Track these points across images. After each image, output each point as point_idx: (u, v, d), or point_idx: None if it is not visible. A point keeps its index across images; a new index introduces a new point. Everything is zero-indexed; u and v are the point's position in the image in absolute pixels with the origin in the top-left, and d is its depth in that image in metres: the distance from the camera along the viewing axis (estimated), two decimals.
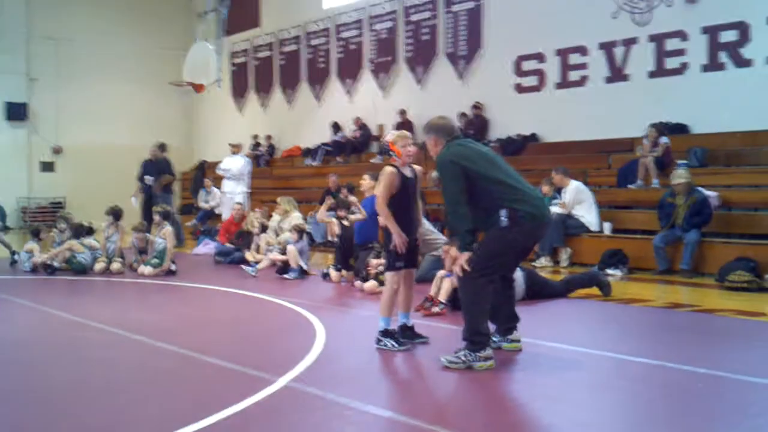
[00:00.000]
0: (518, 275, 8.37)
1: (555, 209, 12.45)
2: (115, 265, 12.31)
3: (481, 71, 18.39)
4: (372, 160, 19.02)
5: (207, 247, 15.32)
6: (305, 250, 11.90)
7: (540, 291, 9.09)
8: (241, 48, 26.02)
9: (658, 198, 11.93)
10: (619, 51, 15.57)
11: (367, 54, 21.37)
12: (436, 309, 8.24)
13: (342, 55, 22.25)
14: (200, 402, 5.10)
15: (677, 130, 14.43)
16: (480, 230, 6.04)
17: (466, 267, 5.83)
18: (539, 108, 17.03)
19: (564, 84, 16.62)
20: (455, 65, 18.92)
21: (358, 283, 10.28)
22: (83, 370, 6.14)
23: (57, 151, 25.32)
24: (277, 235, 13.30)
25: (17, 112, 24.39)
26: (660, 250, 11.24)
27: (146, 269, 11.96)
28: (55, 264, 12.22)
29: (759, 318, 8.07)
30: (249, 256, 12.91)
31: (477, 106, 18.03)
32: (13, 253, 13.42)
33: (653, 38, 14.99)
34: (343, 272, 10.91)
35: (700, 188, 11.47)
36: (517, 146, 16.95)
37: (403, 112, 19.32)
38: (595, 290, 9.41)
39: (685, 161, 13.33)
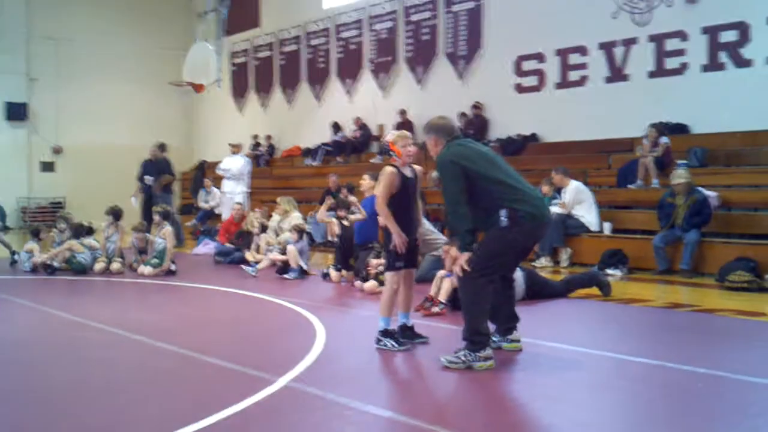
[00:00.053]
0: (518, 275, 8.37)
1: (555, 209, 12.45)
2: (115, 265, 12.31)
3: (481, 71, 18.39)
4: (372, 160, 19.02)
5: (207, 247, 15.32)
6: (305, 250, 11.90)
7: (540, 291, 9.09)
8: (241, 48, 26.02)
9: (658, 198, 11.93)
10: (619, 51, 15.57)
11: (367, 54, 21.37)
12: (436, 309, 8.24)
13: (342, 55, 22.25)
14: (200, 402, 5.10)
15: (677, 130, 14.43)
16: (480, 230, 6.03)
17: (466, 267, 5.83)
18: (539, 108, 17.03)
19: (564, 84, 16.62)
20: (455, 65, 18.92)
21: (358, 283, 10.28)
22: (83, 370, 6.14)
23: (57, 151, 25.33)
24: (277, 235, 13.30)
25: (17, 112, 24.39)
26: (660, 250, 11.24)
27: (146, 269, 11.96)
28: (55, 264, 12.21)
29: (759, 318, 8.07)
30: (249, 256, 12.91)
31: (477, 106, 18.03)
32: (13, 253, 13.42)
33: (653, 38, 14.99)
34: (343, 272, 10.91)
35: (700, 188, 11.47)
36: (517, 146, 16.95)
37: (403, 112, 19.33)
38: (595, 290, 9.41)
39: (685, 161, 13.33)
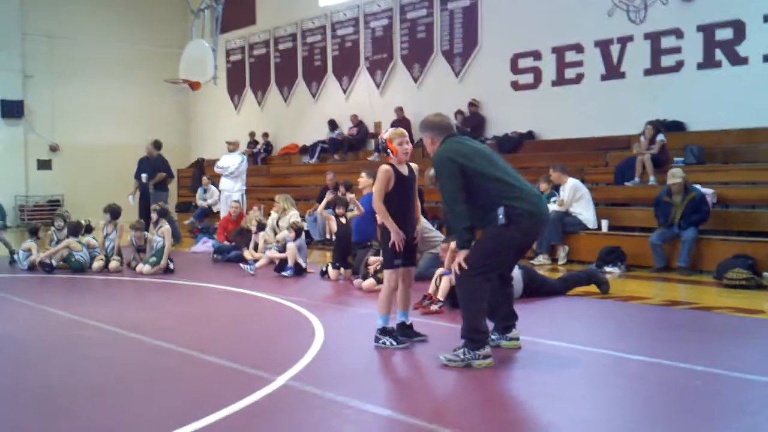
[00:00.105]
0: (516, 273, 8.37)
1: (553, 207, 12.45)
2: (113, 264, 12.31)
3: (477, 69, 18.40)
4: (369, 158, 19.05)
5: (205, 245, 15.31)
6: (303, 247, 11.90)
7: (538, 289, 9.09)
8: (237, 45, 26.00)
9: (655, 195, 11.94)
10: (614, 49, 15.58)
11: (364, 51, 21.37)
12: (434, 307, 8.24)
13: (338, 53, 22.25)
14: (199, 401, 5.10)
15: (674, 127, 14.45)
16: (478, 228, 6.03)
17: (463, 265, 5.83)
18: (536, 105, 17.05)
19: (560, 81, 16.64)
20: (451, 63, 18.93)
21: (357, 281, 10.28)
22: (81, 369, 6.14)
23: (54, 148, 25.30)
24: (275, 233, 13.30)
25: (13, 110, 24.33)
26: (657, 248, 11.25)
27: (144, 268, 11.95)
28: (53, 262, 12.20)
29: (757, 315, 8.08)
30: (247, 254, 12.92)
31: (473, 104, 18.04)
32: (12, 252, 13.39)
33: (649, 36, 15.01)
34: (342, 270, 10.92)
35: (696, 186, 11.49)
36: (514, 144, 16.96)
37: (400, 110, 19.34)
38: (593, 288, 9.42)
39: (681, 159, 13.37)
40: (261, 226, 13.36)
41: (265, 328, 7.89)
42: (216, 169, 17.34)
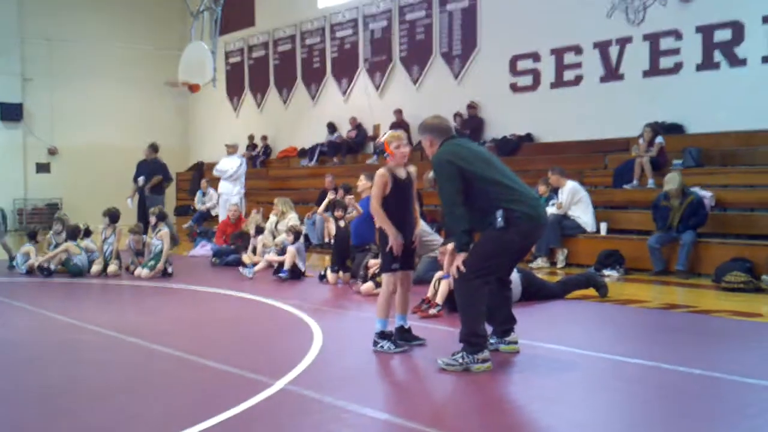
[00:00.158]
0: (515, 277, 8.37)
1: (551, 210, 12.46)
2: (112, 268, 12.30)
3: (476, 71, 18.41)
4: (368, 161, 19.05)
5: (204, 249, 15.31)
6: (302, 251, 11.89)
7: (537, 292, 9.09)
8: (235, 47, 26.01)
9: (653, 198, 11.94)
10: (613, 50, 15.59)
11: (363, 53, 21.38)
12: (433, 311, 8.23)
13: (337, 55, 22.26)
14: (197, 405, 5.09)
15: (672, 129, 14.45)
16: (477, 231, 6.03)
17: (461, 268, 5.83)
18: (534, 108, 17.05)
19: (559, 83, 16.64)
20: (450, 65, 18.94)
21: (356, 284, 10.26)
22: (80, 372, 6.13)
23: (52, 152, 25.30)
24: (274, 236, 13.29)
25: (12, 113, 24.34)
26: (655, 251, 11.25)
27: (143, 271, 11.94)
28: (51, 266, 12.18)
29: (755, 319, 8.09)
30: (246, 258, 12.91)
31: (472, 106, 18.05)
32: (12, 258, 13.36)
33: (647, 37, 15.02)
34: (340, 274, 10.91)
35: (694, 189, 11.49)
36: (513, 146, 16.97)
37: (399, 112, 19.34)
38: (591, 291, 9.42)
39: (680, 161, 13.37)
40: (259, 230, 13.36)
41: (264, 332, 7.89)
42: (215, 172, 17.34)
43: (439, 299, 8.30)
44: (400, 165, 6.63)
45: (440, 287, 8.34)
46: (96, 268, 12.31)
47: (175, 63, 19.85)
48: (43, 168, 25.26)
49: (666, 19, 14.70)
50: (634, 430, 4.65)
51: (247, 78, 25.68)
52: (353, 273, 10.68)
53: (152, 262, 12.04)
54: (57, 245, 12.60)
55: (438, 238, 10.52)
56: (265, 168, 23.67)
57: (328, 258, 12.42)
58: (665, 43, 14.74)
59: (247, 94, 25.73)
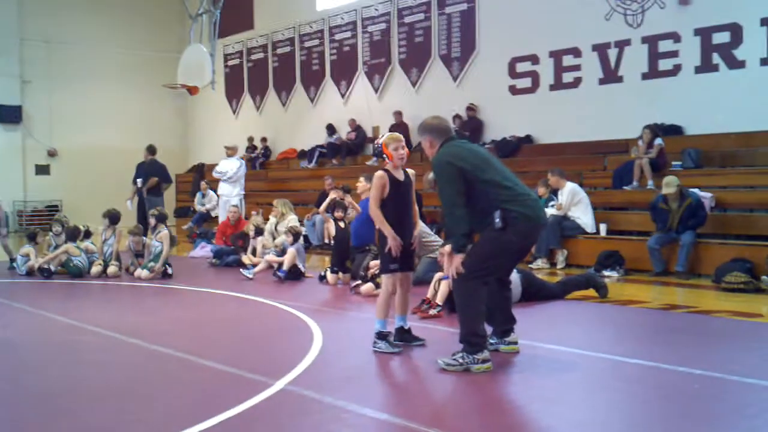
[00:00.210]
0: (515, 277, 8.38)
1: (551, 211, 12.48)
2: (112, 269, 12.30)
3: (475, 73, 18.42)
4: (367, 163, 19.06)
5: (204, 250, 15.31)
6: (301, 251, 11.89)
7: (537, 293, 9.09)
8: (234, 50, 26.02)
9: (653, 199, 11.93)
10: (612, 53, 15.61)
11: (361, 56, 21.39)
12: (432, 311, 8.24)
13: (336, 57, 22.27)
14: (197, 405, 5.09)
15: (671, 131, 14.47)
16: (477, 232, 6.03)
17: (460, 269, 5.83)
18: (533, 110, 17.07)
19: (558, 86, 16.65)
20: (449, 67, 18.95)
21: (358, 285, 10.25)
22: (80, 373, 6.13)
23: (52, 153, 25.32)
24: (274, 238, 13.30)
25: (11, 115, 24.36)
26: (655, 252, 11.25)
27: (143, 273, 11.94)
28: (51, 268, 12.18)
29: (755, 319, 8.09)
30: (245, 259, 12.92)
31: (471, 108, 18.07)
32: (12, 260, 13.36)
33: (646, 40, 15.03)
34: (340, 275, 10.91)
35: (693, 190, 11.49)
36: (512, 148, 16.98)
37: (398, 114, 19.35)
38: (591, 292, 9.42)
39: (679, 162, 13.38)
40: (259, 231, 13.36)
41: (264, 333, 7.89)
42: (214, 174, 17.35)
43: (439, 300, 8.30)
44: (398, 167, 6.63)
45: (440, 288, 8.34)
46: (96, 269, 12.31)
47: (174, 65, 19.92)
48: (42, 170, 25.28)
49: (664, 21, 14.71)
50: (633, 430, 4.65)
51: (246, 80, 25.68)
52: (353, 274, 10.68)
53: (152, 263, 12.04)
54: (57, 247, 12.61)
55: (437, 239, 10.53)
56: (265, 170, 23.68)
57: (327, 259, 12.43)
58: (664, 46, 14.76)
59: (246, 97, 25.74)
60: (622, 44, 15.42)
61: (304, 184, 20.94)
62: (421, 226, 8.10)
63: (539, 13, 16.76)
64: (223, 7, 19.49)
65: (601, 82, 15.84)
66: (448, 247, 5.94)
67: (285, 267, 11.34)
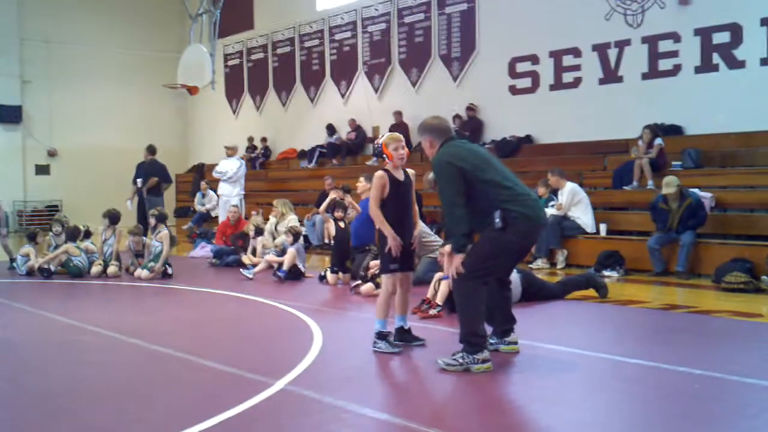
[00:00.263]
0: (515, 277, 8.38)
1: (551, 211, 12.48)
2: (112, 269, 12.30)
3: (475, 73, 18.42)
4: (367, 163, 19.06)
5: (204, 250, 15.31)
6: (301, 251, 11.89)
7: (537, 293, 9.09)
8: (234, 50, 26.02)
9: (653, 199, 11.94)
10: (612, 53, 15.60)
11: (361, 56, 21.39)
12: (433, 311, 8.24)
13: (336, 57, 22.27)
14: (197, 405, 5.09)
15: (671, 131, 14.47)
16: (477, 231, 6.03)
17: (460, 269, 5.83)
18: (533, 109, 17.07)
19: (558, 86, 16.65)
20: (449, 67, 18.95)
21: (358, 285, 10.25)
22: (80, 373, 6.13)
23: (52, 153, 25.33)
24: (274, 238, 13.30)
25: (11, 115, 24.36)
26: (655, 252, 11.25)
27: (143, 273, 11.94)
28: (51, 267, 12.18)
29: (756, 319, 8.09)
30: (245, 259, 12.92)
31: (471, 108, 18.07)
32: (12, 260, 13.36)
33: (646, 40, 15.03)
34: (340, 274, 10.91)
35: (693, 190, 11.49)
36: (512, 148, 16.98)
37: (398, 114, 19.35)
38: (591, 292, 9.42)
39: (679, 162, 13.38)
40: (259, 231, 13.36)
41: (264, 332, 7.89)
42: (214, 174, 17.35)
43: (439, 300, 8.30)
44: (398, 167, 6.63)
45: (440, 288, 8.34)
46: (96, 269, 12.31)
47: (175, 65, 19.93)
48: (42, 170, 25.29)
49: (664, 21, 14.71)
50: (634, 430, 4.66)
51: (246, 80, 25.69)
52: (353, 274, 10.68)
53: (152, 263, 12.04)
54: (57, 247, 12.61)
55: (438, 239, 10.53)
56: (265, 170, 23.68)
57: (328, 259, 12.43)
58: (664, 46, 14.76)
59: (246, 97, 25.74)
60: (622, 44, 15.42)
61: (304, 184, 20.94)
62: (421, 226, 8.10)
63: (539, 13, 16.76)
64: (223, 7, 19.49)
65: (601, 82, 15.84)
66: (448, 247, 5.93)
67: (285, 267, 11.34)
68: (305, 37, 23.24)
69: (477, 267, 5.88)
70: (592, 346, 6.73)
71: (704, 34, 14.15)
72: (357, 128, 21.03)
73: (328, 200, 11.79)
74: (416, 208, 6.91)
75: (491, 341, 6.35)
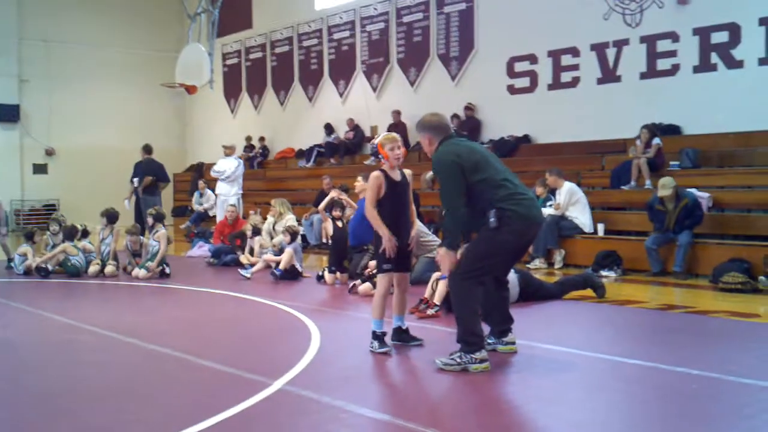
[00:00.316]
0: (512, 277, 8.37)
1: (549, 211, 12.48)
2: (109, 268, 12.29)
3: (473, 73, 18.42)
4: (366, 162, 19.05)
5: (201, 250, 15.31)
6: (298, 251, 11.88)
7: (534, 293, 9.09)
8: (232, 49, 26.01)
9: (649, 200, 11.93)
10: (610, 52, 15.61)
11: (360, 55, 21.38)
12: (430, 311, 8.23)
13: (334, 57, 22.27)
14: (195, 405, 5.09)
15: (669, 131, 14.48)
16: (474, 231, 6.03)
17: (452, 266, 5.86)
18: (532, 109, 17.07)
19: (556, 85, 16.66)
20: (448, 67, 18.95)
21: (356, 284, 10.24)
22: (78, 373, 6.13)
23: (50, 153, 25.31)
24: (272, 237, 13.29)
25: (9, 114, 24.36)
26: (652, 252, 11.25)
27: (140, 272, 11.93)
28: (49, 267, 12.17)
29: (753, 319, 8.10)
30: (243, 259, 12.92)
31: (469, 108, 18.08)
32: (10, 259, 13.34)
33: (644, 39, 15.03)
34: (338, 274, 10.91)
35: (690, 190, 11.49)
36: (510, 147, 16.98)
37: (396, 113, 19.35)
38: (589, 292, 9.43)
39: (677, 162, 13.39)
40: (256, 231, 13.36)
41: (262, 333, 7.88)
42: (212, 173, 17.36)
43: (437, 299, 8.30)
44: (394, 167, 6.62)
45: (438, 288, 8.34)
46: (93, 268, 12.30)
47: (173, 64, 19.89)
48: (40, 169, 25.28)
49: (663, 21, 14.72)
50: (632, 430, 4.66)
51: (244, 80, 25.68)
52: (351, 274, 10.68)
53: (149, 263, 12.03)
54: (54, 246, 12.61)
55: (435, 239, 10.52)
56: (263, 169, 23.68)
57: (325, 259, 12.42)
58: (662, 45, 14.77)
59: (244, 96, 25.73)
60: (620, 44, 15.42)
61: (302, 184, 20.95)
62: (419, 226, 8.11)
63: (538, 13, 16.76)
64: (222, 7, 19.47)
65: (600, 81, 15.84)
66: (443, 249, 5.94)
67: (281, 266, 11.34)
68: (304, 37, 23.24)
69: (473, 266, 5.88)
70: (589, 346, 6.73)
71: (703, 33, 14.16)
72: (355, 128, 21.03)
73: (327, 199, 11.79)
74: (413, 208, 6.90)
75: (489, 341, 6.35)
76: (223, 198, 16.65)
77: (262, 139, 24.32)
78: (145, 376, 6.02)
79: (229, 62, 26.21)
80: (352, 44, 21.60)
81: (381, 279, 6.60)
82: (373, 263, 9.83)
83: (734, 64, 13.80)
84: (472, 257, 5.91)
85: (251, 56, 25.36)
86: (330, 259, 11.30)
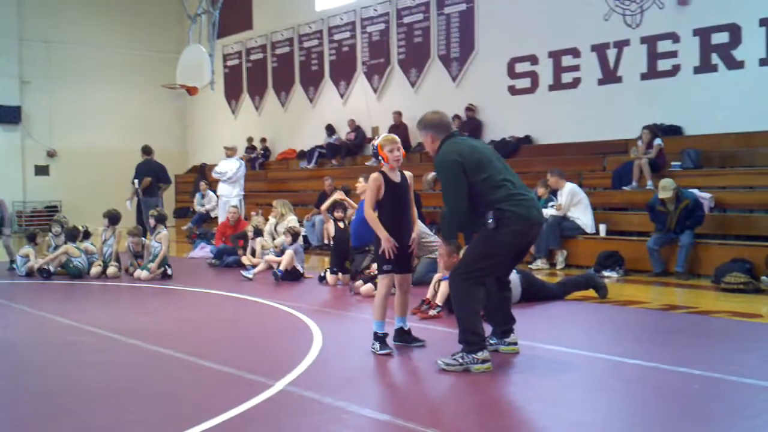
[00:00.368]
0: (514, 277, 8.38)
1: (551, 211, 12.48)
2: (111, 270, 12.30)
3: (474, 73, 18.42)
4: (367, 163, 19.06)
5: (203, 251, 15.31)
6: (300, 252, 11.88)
7: (536, 293, 9.10)
8: (234, 50, 26.02)
9: (650, 200, 11.93)
10: (611, 53, 15.60)
11: (360, 56, 21.39)
12: (432, 312, 8.24)
13: (335, 58, 22.27)
14: (197, 406, 5.10)
15: (671, 131, 14.47)
16: (474, 231, 6.03)
17: (452, 264, 5.87)
18: (532, 110, 17.07)
19: (557, 86, 16.65)
20: (448, 67, 18.95)
21: (357, 284, 10.24)
22: (80, 374, 6.13)
23: (51, 154, 25.32)
24: (274, 238, 13.30)
25: (10, 116, 24.36)
26: (654, 252, 11.25)
27: (142, 273, 11.93)
28: (51, 268, 12.18)
29: (755, 320, 8.10)
30: (245, 260, 12.93)
31: (470, 108, 18.08)
32: (12, 261, 13.35)
33: (645, 40, 15.03)
34: (340, 275, 10.91)
35: (691, 190, 11.49)
36: (512, 148, 16.97)
37: (397, 114, 19.34)
38: (591, 292, 9.42)
39: (678, 163, 13.38)
40: (258, 232, 13.36)
41: (264, 333, 7.89)
42: (214, 175, 17.36)
43: (438, 300, 8.30)
44: (394, 168, 6.61)
45: (440, 288, 8.34)
46: (95, 270, 12.31)
47: (174, 66, 19.90)
48: (41, 170, 25.30)
49: (663, 22, 14.71)
50: (633, 430, 4.66)
51: (245, 81, 25.69)
52: (352, 274, 10.68)
53: (151, 264, 12.03)
54: (56, 247, 12.61)
55: (437, 240, 10.50)
56: (264, 170, 23.69)
57: (327, 260, 12.43)
58: (663, 46, 14.76)
59: (245, 97, 25.74)
60: (621, 44, 15.42)
61: (304, 185, 20.95)
62: (420, 227, 8.10)
63: (538, 14, 16.76)
64: (222, 8, 19.48)
65: (600, 82, 15.84)
66: (443, 248, 5.96)
67: (282, 267, 11.34)
68: (304, 38, 23.24)
69: (473, 267, 5.88)
70: (591, 347, 6.74)
71: (703, 34, 14.16)
72: (356, 129, 21.03)
73: (330, 200, 11.79)
74: (415, 209, 6.89)
75: (491, 341, 6.35)
76: (225, 199, 16.65)
77: (263, 140, 24.33)
78: (146, 377, 6.03)
79: (229, 63, 26.23)
80: (353, 45, 21.60)
81: (382, 280, 6.61)
82: (374, 264, 9.85)
83: (735, 64, 13.80)
84: (472, 258, 5.92)
85: (252, 57, 25.36)
86: (332, 260, 11.31)
